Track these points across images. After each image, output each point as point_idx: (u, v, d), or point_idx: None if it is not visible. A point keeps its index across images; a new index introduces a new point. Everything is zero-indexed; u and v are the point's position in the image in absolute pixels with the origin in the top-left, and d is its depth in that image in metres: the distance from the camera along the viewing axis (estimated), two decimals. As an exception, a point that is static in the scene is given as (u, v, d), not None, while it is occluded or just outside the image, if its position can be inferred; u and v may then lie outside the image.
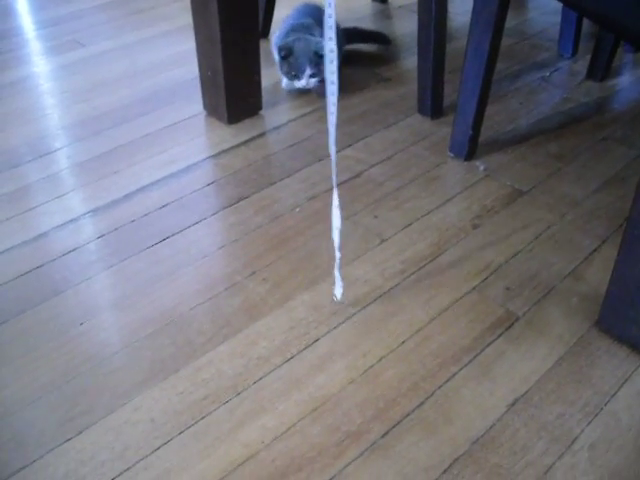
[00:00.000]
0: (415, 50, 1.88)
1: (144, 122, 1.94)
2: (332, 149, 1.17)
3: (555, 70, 2.16)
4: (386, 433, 1.08)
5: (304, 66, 1.94)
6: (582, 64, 2.15)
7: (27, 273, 1.42)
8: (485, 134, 1.75)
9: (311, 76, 1.95)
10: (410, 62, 2.22)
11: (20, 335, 1.28)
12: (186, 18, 2.07)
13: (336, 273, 1.29)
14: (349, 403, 1.11)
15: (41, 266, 1.44)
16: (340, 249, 1.26)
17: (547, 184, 1.63)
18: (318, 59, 1.90)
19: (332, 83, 1.11)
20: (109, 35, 2.51)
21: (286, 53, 1.95)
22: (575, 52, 2.22)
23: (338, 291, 1.30)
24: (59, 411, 1.13)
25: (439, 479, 1.01)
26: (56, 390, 1.17)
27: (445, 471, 1.02)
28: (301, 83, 1.97)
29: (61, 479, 1.02)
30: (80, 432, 1.09)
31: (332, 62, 1.09)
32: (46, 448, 1.07)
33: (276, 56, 2.00)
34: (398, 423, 1.09)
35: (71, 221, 1.56)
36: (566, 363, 1.19)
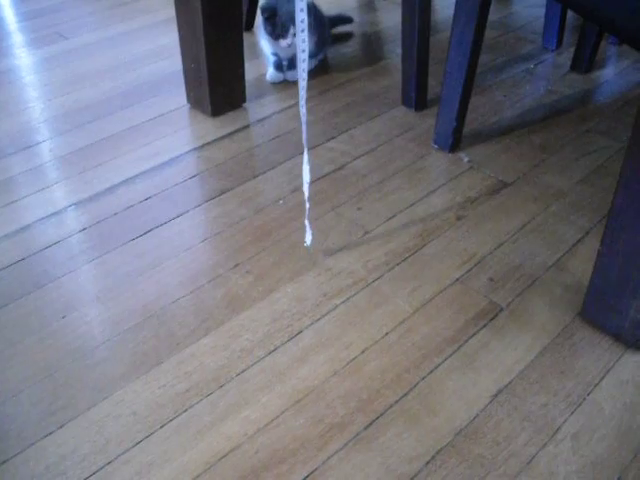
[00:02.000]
0: (399, 42, 1.88)
1: (127, 115, 1.93)
2: (302, 110, 1.24)
3: (539, 62, 2.16)
4: (369, 425, 1.07)
5: (288, 24, 1.94)
6: (566, 56, 2.16)
7: (9, 266, 1.41)
8: (469, 126, 1.75)
9: (295, 34, 1.95)
10: (394, 54, 2.22)
11: (2, 328, 1.26)
12: (169, 11, 2.06)
13: (306, 222, 1.37)
14: (332, 395, 1.11)
15: (23, 259, 1.42)
16: (309, 200, 1.35)
17: (531, 176, 1.63)
18: None
19: (303, 51, 1.17)
20: (92, 28, 2.49)
21: (269, 14, 1.95)
22: (559, 44, 2.23)
23: (308, 238, 1.39)
24: (40, 405, 1.12)
25: (423, 470, 1.01)
26: (37, 384, 1.16)
27: (429, 462, 1.02)
28: (286, 42, 1.97)
29: (42, 473, 1.02)
30: (61, 426, 1.09)
31: (302, 31, 1.15)
32: (27, 442, 1.06)
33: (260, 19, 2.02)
34: (381, 414, 1.09)
35: (54, 214, 1.55)
36: (549, 353, 1.19)
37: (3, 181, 1.67)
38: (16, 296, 1.33)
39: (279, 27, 1.95)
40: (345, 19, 2.43)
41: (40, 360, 1.20)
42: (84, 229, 1.50)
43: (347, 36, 2.39)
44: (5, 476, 1.01)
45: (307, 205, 1.35)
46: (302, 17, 1.12)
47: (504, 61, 2.17)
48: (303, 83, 1.19)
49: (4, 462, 1.03)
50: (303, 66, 1.18)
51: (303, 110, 1.22)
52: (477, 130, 1.81)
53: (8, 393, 1.14)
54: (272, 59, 2.07)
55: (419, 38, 1.80)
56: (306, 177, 1.33)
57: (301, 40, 1.14)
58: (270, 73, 2.06)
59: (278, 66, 2.07)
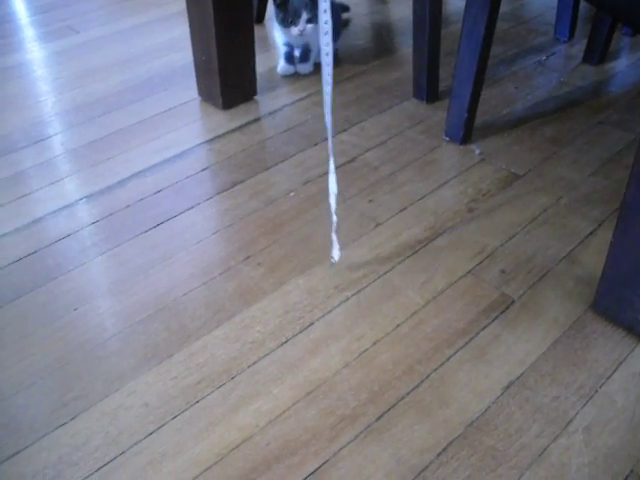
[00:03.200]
0: (410, 34, 1.87)
1: (138, 108, 1.93)
2: (328, 118, 1.18)
3: (551, 54, 2.15)
4: (381, 416, 1.07)
5: (300, 11, 1.94)
6: (579, 48, 2.14)
7: (22, 259, 1.41)
8: (481, 118, 1.75)
9: (308, 21, 1.96)
10: (405, 46, 2.21)
11: (15, 320, 1.27)
12: (180, 4, 2.06)
13: (333, 236, 1.31)
14: (344, 387, 1.11)
15: (36, 252, 1.43)
16: (336, 213, 1.28)
17: (543, 168, 1.63)
18: (313, 4, 1.91)
19: (327, 54, 1.11)
20: (103, 21, 2.49)
21: (281, 1, 1.95)
22: (572, 36, 2.21)
23: (335, 254, 1.33)
24: (53, 396, 1.13)
25: (434, 462, 1.01)
26: (50, 375, 1.16)
27: (440, 454, 1.02)
28: (298, 28, 1.95)
29: (55, 464, 1.02)
30: (74, 417, 1.09)
31: (327, 34, 1.10)
32: (40, 433, 1.07)
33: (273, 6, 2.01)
34: (393, 406, 1.09)
35: (65, 207, 1.56)
36: (561, 346, 1.19)
37: (15, 174, 1.68)
38: (28, 289, 1.34)
39: (291, 14, 1.94)
40: (344, 7, 2.43)
41: (52, 352, 1.20)
42: (96, 222, 1.51)
43: (345, 23, 2.39)
44: (18, 467, 1.02)
45: (334, 218, 1.29)
46: (326, 18, 1.09)
47: (516, 53, 2.16)
48: (328, 88, 1.15)
49: (17, 453, 1.04)
50: (328, 70, 1.13)
51: (329, 118, 1.18)
52: (488, 122, 1.80)
53: (21, 385, 1.15)
54: (284, 50, 2.06)
55: (430, 30, 1.79)
56: (333, 188, 1.27)
57: (325, 44, 1.11)
58: (281, 66, 2.06)
59: (289, 58, 2.06)
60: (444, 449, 1.03)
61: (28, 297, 1.32)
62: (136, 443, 1.05)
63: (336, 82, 2.01)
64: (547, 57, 2.13)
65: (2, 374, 1.17)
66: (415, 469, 1.00)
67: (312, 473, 1.00)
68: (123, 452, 1.04)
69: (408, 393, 1.11)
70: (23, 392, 1.14)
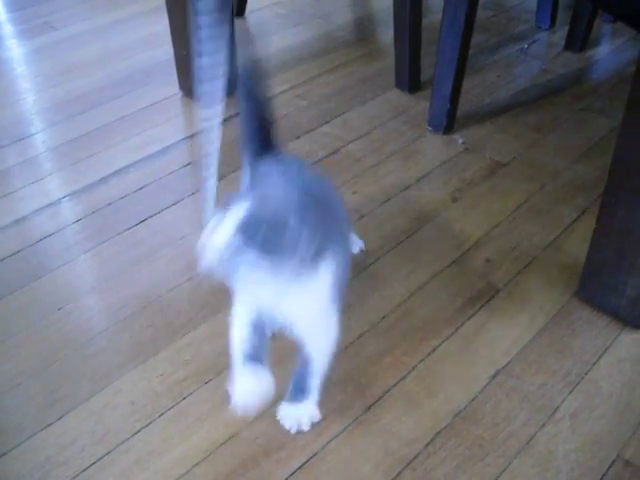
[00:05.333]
0: (392, 25, 1.86)
1: (119, 105, 1.92)
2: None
3: (533, 42, 2.15)
4: (368, 408, 1.07)
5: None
6: (560, 35, 2.14)
7: (5, 259, 1.40)
8: (463, 107, 1.74)
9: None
10: (387, 37, 2.19)
11: (0, 320, 1.27)
12: (159, -2, 2.04)
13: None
14: (330, 380, 1.10)
15: (19, 251, 1.42)
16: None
17: (526, 156, 1.63)
18: None
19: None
20: (82, 17, 2.47)
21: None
22: (553, 23, 2.21)
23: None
24: (39, 397, 1.12)
25: (422, 452, 1.01)
26: (36, 376, 1.16)
27: (428, 444, 1.02)
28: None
29: (42, 464, 1.02)
30: (60, 417, 1.09)
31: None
32: (27, 434, 1.06)
33: None
34: (380, 398, 1.09)
35: (48, 205, 1.55)
36: (547, 333, 1.19)
37: (-2, 173, 1.67)
38: (12, 288, 1.33)
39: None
40: None
41: (38, 352, 1.20)
42: (79, 220, 1.50)
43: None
44: (5, 468, 1.02)
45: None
46: None
47: (497, 41, 2.16)
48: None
49: (4, 454, 1.03)
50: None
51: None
52: (471, 111, 1.80)
53: (6, 385, 1.14)
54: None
55: (411, 20, 1.79)
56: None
57: None
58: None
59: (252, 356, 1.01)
60: (432, 439, 1.03)
61: (12, 297, 1.31)
62: (123, 442, 1.04)
63: (317, 74, 2.01)
64: (529, 45, 2.13)
65: (-14, 376, 1.16)
66: (403, 460, 1.00)
67: (300, 467, 1.00)
68: (110, 451, 1.03)
69: (395, 385, 1.11)
70: (8, 393, 1.13)
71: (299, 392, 1.03)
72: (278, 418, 1.05)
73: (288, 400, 1.05)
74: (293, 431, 1.04)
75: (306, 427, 1.04)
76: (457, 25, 1.58)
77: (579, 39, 2.06)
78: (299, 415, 1.04)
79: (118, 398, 1.11)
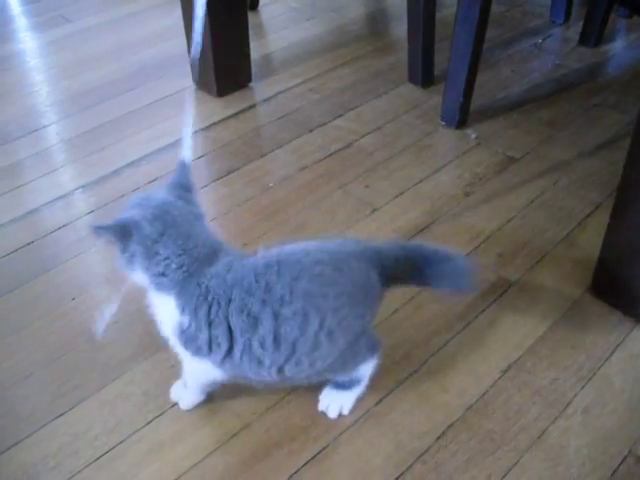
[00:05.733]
0: (405, 19, 1.86)
1: (133, 97, 1.92)
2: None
3: (547, 37, 2.14)
4: (380, 401, 1.08)
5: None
6: (575, 30, 2.13)
7: (18, 250, 1.41)
8: (476, 102, 1.74)
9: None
10: (400, 31, 2.19)
11: (13, 311, 1.27)
12: (173, -9, 2.04)
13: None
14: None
15: (32, 242, 1.43)
16: None
17: (539, 151, 1.62)
18: None
19: None
20: (96, 10, 2.47)
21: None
22: (567, 18, 2.20)
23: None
24: (52, 386, 1.13)
25: (433, 445, 1.01)
26: (49, 365, 1.16)
27: (439, 437, 1.02)
28: None
29: (55, 453, 1.02)
30: (72, 407, 1.09)
31: None
32: (40, 423, 1.07)
33: None
34: (392, 391, 1.09)
35: (61, 197, 1.55)
36: (559, 329, 1.19)
37: (10, 165, 1.68)
38: (25, 279, 1.33)
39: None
40: None
41: (50, 342, 1.20)
42: (92, 211, 1.50)
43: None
44: (18, 456, 1.02)
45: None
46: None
47: (511, 36, 2.15)
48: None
49: (17, 443, 1.04)
50: None
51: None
52: (484, 106, 1.80)
53: (19, 375, 1.15)
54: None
55: (425, 14, 1.78)
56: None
57: None
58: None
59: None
60: (443, 433, 1.03)
61: (25, 288, 1.32)
62: (135, 432, 1.05)
63: (330, 68, 2.01)
64: (543, 40, 2.12)
65: (1, 366, 1.17)
66: (415, 453, 1.00)
67: (312, 458, 1.00)
68: (122, 441, 1.04)
69: (407, 378, 1.11)
70: (22, 382, 1.14)
71: (345, 381, 1.05)
72: (320, 398, 1.06)
73: (333, 386, 1.06)
74: (330, 415, 1.04)
75: (333, 414, 1.05)
76: (471, 19, 1.57)
77: (594, 34, 2.04)
78: (339, 401, 1.06)
79: (130, 388, 1.11)
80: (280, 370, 0.93)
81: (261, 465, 0.99)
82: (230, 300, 0.89)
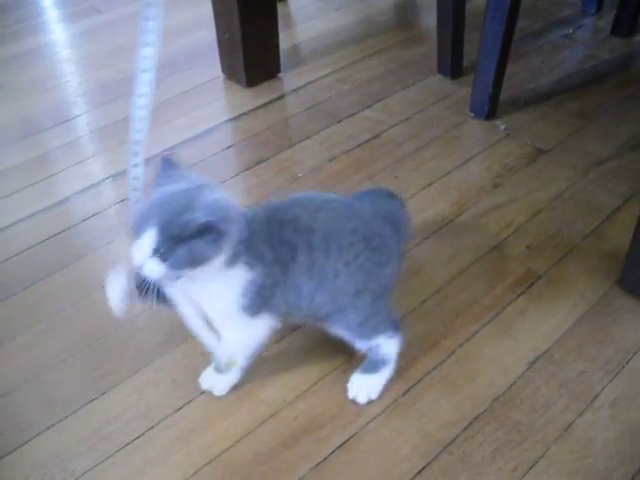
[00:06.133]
0: (434, 9, 1.85)
1: (162, 87, 1.93)
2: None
3: (578, 27, 2.12)
4: (407, 391, 1.08)
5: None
6: (607, 20, 2.10)
7: (51, 238, 1.43)
8: (506, 93, 1.73)
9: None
10: (429, 21, 2.17)
11: (46, 298, 1.29)
12: (203, -19, 2.05)
13: None
14: (370, 362, 1.12)
15: (64, 231, 1.45)
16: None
17: (569, 143, 1.61)
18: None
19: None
20: (126, 1, 2.49)
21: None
22: (599, 8, 2.17)
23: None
24: (84, 372, 1.15)
25: (460, 436, 1.02)
26: (81, 352, 1.18)
27: (466, 428, 1.03)
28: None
29: (87, 437, 1.04)
30: (104, 393, 1.11)
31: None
32: (73, 408, 1.09)
33: None
34: (419, 381, 1.09)
35: (92, 186, 1.57)
36: (587, 321, 1.18)
37: (42, 155, 1.70)
38: (58, 267, 1.36)
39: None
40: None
41: (83, 329, 1.22)
42: (122, 200, 1.52)
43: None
44: (52, 440, 1.05)
45: None
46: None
47: (542, 26, 2.13)
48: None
49: (51, 427, 1.06)
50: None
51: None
52: (514, 97, 1.79)
53: (53, 361, 1.17)
54: None
55: (455, 4, 1.77)
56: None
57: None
58: None
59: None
60: (470, 423, 1.03)
61: (58, 275, 1.34)
62: (165, 418, 1.07)
63: (359, 58, 2.01)
64: (574, 30, 2.10)
65: (35, 350, 1.19)
66: (441, 443, 1.01)
67: (339, 446, 1.01)
68: (152, 427, 1.05)
69: (434, 368, 1.11)
70: (55, 368, 1.16)
71: (372, 364, 1.07)
72: (348, 385, 1.08)
73: (361, 370, 1.08)
74: (360, 401, 1.06)
75: (362, 400, 1.07)
76: (502, 10, 1.56)
77: (626, 24, 2.02)
78: (367, 386, 1.07)
79: (160, 375, 1.13)
80: (312, 299, 0.97)
81: (289, 452, 1.00)
82: (275, 235, 0.94)
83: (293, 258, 0.94)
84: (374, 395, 1.07)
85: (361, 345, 1.05)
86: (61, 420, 1.07)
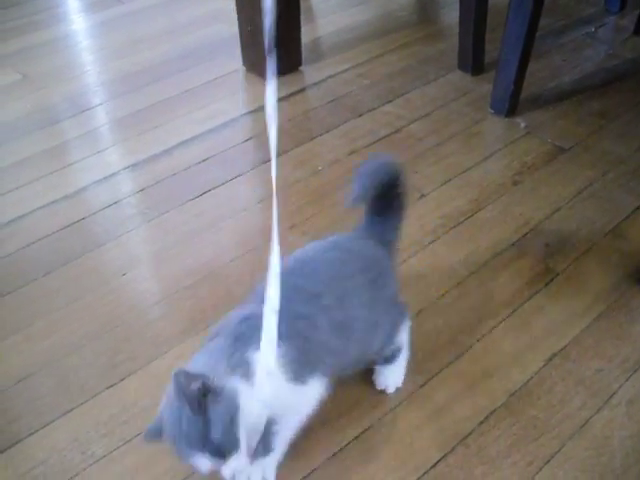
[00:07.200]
0: (456, 5, 1.85)
1: (183, 78, 1.95)
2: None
3: (601, 25, 2.11)
4: (424, 384, 1.09)
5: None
6: (630, 19, 2.09)
7: (70, 225, 1.44)
8: (527, 91, 1.72)
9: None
10: (450, 18, 2.18)
11: (65, 285, 1.31)
12: (225, -26, 2.05)
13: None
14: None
15: (84, 219, 1.46)
16: None
17: (589, 142, 1.61)
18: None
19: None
20: (148, -9, 2.50)
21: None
22: (623, 7, 2.16)
23: None
24: (103, 358, 1.16)
25: (476, 430, 1.02)
26: (100, 338, 1.20)
27: (482, 422, 1.03)
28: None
29: (106, 422, 1.05)
30: (122, 379, 1.12)
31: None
32: (91, 393, 1.10)
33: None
34: (436, 375, 1.10)
35: (111, 175, 1.58)
36: (605, 319, 1.18)
37: (62, 144, 1.71)
38: (77, 254, 1.37)
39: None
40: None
41: (102, 315, 1.24)
42: (142, 190, 1.53)
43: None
44: (71, 424, 1.06)
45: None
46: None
47: (564, 24, 2.13)
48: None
49: (69, 411, 1.08)
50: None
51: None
52: (535, 95, 1.78)
53: (72, 346, 1.18)
54: None
55: (477, 1, 1.77)
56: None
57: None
58: None
59: None
60: (486, 418, 1.04)
61: (78, 262, 1.35)
62: (184, 404, 1.07)
63: (380, 53, 2.01)
64: (596, 29, 2.09)
65: (54, 336, 1.20)
66: (457, 436, 1.01)
67: (356, 437, 1.02)
68: (171, 413, 1.06)
69: (451, 362, 1.12)
70: (75, 353, 1.17)
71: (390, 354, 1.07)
72: (374, 378, 1.08)
73: (381, 364, 1.08)
74: (390, 391, 1.07)
75: (391, 390, 1.08)
76: (525, 7, 1.56)
77: (649, 23, 2.01)
78: (392, 375, 1.08)
79: (179, 363, 1.13)
80: (347, 353, 0.95)
81: (306, 442, 1.01)
82: (285, 311, 0.86)
83: (314, 326, 0.91)
84: (400, 382, 1.08)
85: (391, 348, 1.05)
86: (80, 404, 1.08)
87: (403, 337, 1.06)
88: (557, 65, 1.92)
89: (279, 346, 0.85)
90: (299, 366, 0.89)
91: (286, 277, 0.88)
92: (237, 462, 0.81)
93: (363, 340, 0.97)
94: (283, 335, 0.85)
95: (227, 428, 0.79)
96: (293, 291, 0.90)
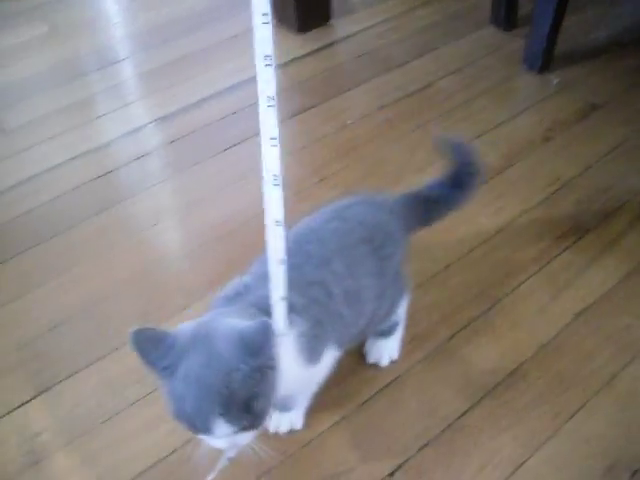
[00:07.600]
0: (488, -41, 1.82)
1: (212, 31, 1.93)
2: None
3: (638, -20, 2.06)
4: (452, 336, 1.10)
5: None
6: (669, -27, 2.04)
7: (98, 178, 1.46)
8: (561, 46, 1.69)
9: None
10: (484, -28, 2.14)
11: (98, 234, 1.33)
12: None
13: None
14: (416, 306, 1.11)
15: (111, 171, 1.48)
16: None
17: (623, 98, 1.58)
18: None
19: None
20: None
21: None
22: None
23: None
24: (135, 306, 1.18)
25: (503, 382, 1.03)
26: (132, 286, 1.22)
27: (509, 375, 1.04)
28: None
29: (139, 368, 1.05)
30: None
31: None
32: (125, 339, 1.11)
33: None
34: (464, 327, 1.11)
35: (141, 127, 1.59)
36: (635, 277, 1.18)
37: (89, 96, 1.72)
38: (107, 205, 1.39)
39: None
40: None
41: (134, 264, 1.26)
42: (173, 142, 1.54)
43: None
44: (104, 369, 1.09)
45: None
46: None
47: (601, -22, 2.08)
48: None
49: (104, 356, 1.10)
50: None
51: None
52: (568, 51, 1.75)
53: (109, 292, 1.21)
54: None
55: (512, -47, 1.74)
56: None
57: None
58: None
59: None
60: (513, 370, 1.04)
61: (110, 212, 1.37)
62: (214, 352, 1.09)
63: (410, 7, 1.97)
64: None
65: (90, 283, 1.23)
66: (484, 388, 1.02)
67: (383, 388, 1.03)
68: (202, 360, 1.08)
69: (479, 316, 1.12)
70: (108, 301, 1.19)
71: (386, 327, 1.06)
72: (365, 350, 1.07)
73: (376, 335, 1.07)
74: (383, 364, 1.06)
75: (385, 362, 1.07)
76: (561, -41, 1.53)
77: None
78: (387, 349, 1.07)
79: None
80: (357, 324, 0.94)
81: (336, 390, 1.02)
82: (296, 279, 0.85)
83: (329, 294, 0.89)
84: (395, 356, 1.07)
85: (390, 319, 1.05)
86: (114, 350, 1.11)
87: (402, 311, 1.06)
88: (593, 20, 1.88)
89: (293, 322, 0.84)
90: (315, 342, 0.88)
91: (294, 247, 0.88)
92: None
93: (370, 311, 0.95)
94: (298, 306, 0.85)
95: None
96: (305, 256, 0.90)
